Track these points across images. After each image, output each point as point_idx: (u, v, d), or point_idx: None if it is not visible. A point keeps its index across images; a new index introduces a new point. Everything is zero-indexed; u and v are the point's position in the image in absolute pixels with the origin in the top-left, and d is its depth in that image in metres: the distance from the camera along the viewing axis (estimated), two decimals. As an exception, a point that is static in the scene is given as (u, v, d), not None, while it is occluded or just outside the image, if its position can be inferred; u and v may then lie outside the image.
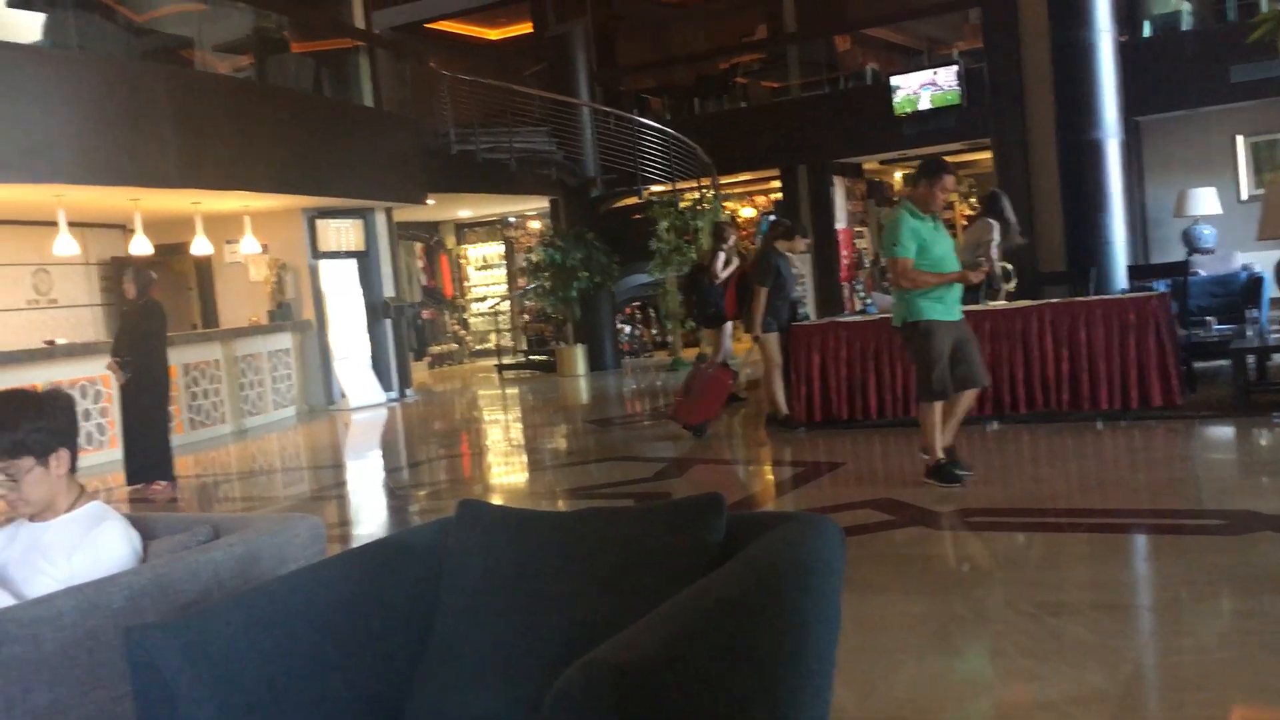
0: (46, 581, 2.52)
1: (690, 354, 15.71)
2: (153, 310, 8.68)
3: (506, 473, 9.11)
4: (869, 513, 5.75)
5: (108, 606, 2.23)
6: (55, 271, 12.84)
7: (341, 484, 9.16)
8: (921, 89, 15.89)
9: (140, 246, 11.71)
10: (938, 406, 6.14)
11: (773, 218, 14.69)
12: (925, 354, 6.10)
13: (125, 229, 13.64)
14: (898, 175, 20.34)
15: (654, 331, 18.77)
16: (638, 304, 18.39)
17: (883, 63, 18.49)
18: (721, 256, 10.56)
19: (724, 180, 17.04)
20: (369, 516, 7.70)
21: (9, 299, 12.38)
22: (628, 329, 18.47)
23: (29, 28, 11.75)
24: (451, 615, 2.28)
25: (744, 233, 19.13)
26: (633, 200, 16.84)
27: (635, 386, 14.54)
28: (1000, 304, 8.10)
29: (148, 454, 8.61)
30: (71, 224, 11.06)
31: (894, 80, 16.15)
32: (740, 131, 17.46)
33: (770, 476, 7.65)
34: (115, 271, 13.46)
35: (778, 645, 2.05)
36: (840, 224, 17.78)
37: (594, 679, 1.60)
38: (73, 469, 2.68)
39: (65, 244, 10.87)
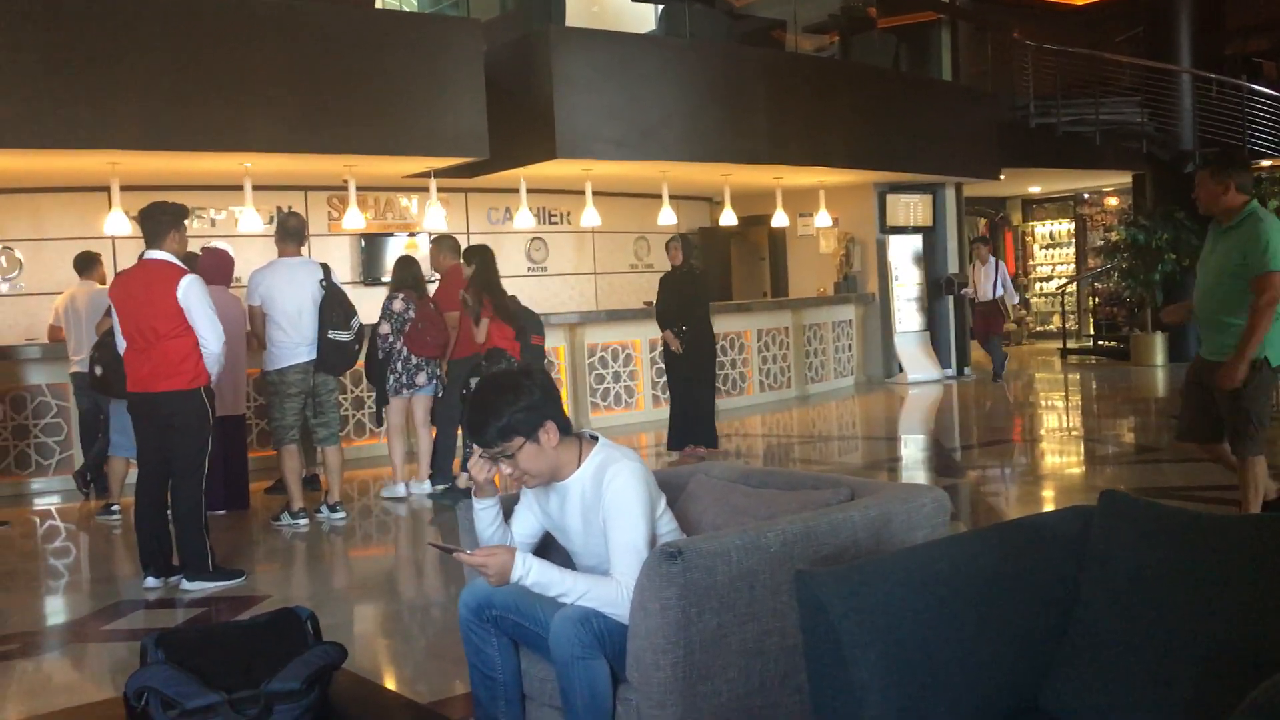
0: (608, 533, 2.69)
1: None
2: (697, 278, 8.75)
3: (1067, 465, 8.67)
4: None
5: (765, 549, 2.45)
6: (651, 239, 14.24)
7: (896, 458, 9.25)
8: None
9: (727, 219, 12.65)
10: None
11: None
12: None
13: (711, 201, 14.81)
14: None
15: (1249, 322, 16.75)
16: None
17: None
18: None
19: (1353, 152, 14.74)
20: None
21: (615, 263, 13.98)
22: (1216, 318, 16.63)
23: (645, 18, 13.13)
24: (1095, 605, 2.21)
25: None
26: (1236, 175, 15.11)
27: (1223, 382, 13.08)
28: None
29: (697, 418, 8.70)
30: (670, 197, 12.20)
31: None
32: (1379, 94, 14.96)
33: None
34: (702, 241, 14.66)
35: None
36: None
37: (1306, 699, 1.47)
38: (565, 431, 2.78)
39: (666, 215, 12.00)
